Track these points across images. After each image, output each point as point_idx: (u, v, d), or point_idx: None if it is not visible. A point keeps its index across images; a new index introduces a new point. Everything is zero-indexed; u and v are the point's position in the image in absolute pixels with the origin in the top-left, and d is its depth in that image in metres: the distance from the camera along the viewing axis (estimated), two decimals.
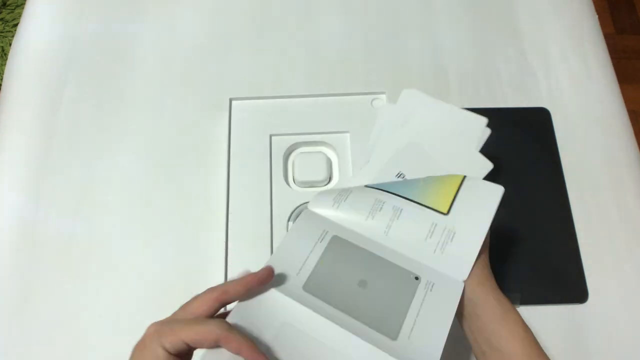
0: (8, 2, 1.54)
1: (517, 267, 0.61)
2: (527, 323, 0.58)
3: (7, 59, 0.83)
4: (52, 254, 0.61)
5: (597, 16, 0.79)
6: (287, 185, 0.62)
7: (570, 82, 0.73)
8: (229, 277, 0.57)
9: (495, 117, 0.69)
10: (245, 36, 0.75)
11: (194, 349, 0.35)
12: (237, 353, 0.34)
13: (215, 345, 0.34)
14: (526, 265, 0.61)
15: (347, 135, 0.65)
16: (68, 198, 0.64)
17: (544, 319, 0.59)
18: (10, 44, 1.06)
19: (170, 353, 0.34)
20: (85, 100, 0.70)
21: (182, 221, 0.62)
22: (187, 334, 0.33)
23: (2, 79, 0.87)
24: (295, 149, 0.65)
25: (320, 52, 0.74)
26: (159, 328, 0.34)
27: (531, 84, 0.72)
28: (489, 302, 0.41)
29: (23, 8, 0.78)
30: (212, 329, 0.33)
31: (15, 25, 1.48)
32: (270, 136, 0.65)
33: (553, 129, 0.69)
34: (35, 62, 0.72)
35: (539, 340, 0.42)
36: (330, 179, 0.64)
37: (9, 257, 0.61)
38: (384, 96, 0.66)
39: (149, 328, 0.35)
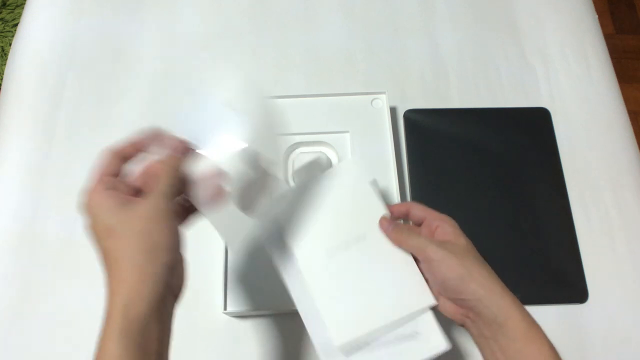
0: (8, 2, 1.54)
1: (517, 267, 0.61)
2: None
3: (7, 59, 0.83)
4: (52, 254, 0.61)
5: (597, 16, 0.79)
6: (287, 185, 0.62)
7: (570, 82, 0.73)
8: (229, 277, 0.57)
9: (495, 117, 0.70)
10: (245, 36, 0.75)
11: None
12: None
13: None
14: (526, 265, 0.61)
15: (347, 135, 0.65)
16: (68, 198, 0.64)
17: (544, 319, 0.58)
18: (10, 44, 1.06)
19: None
20: (85, 100, 0.70)
21: None
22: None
23: (2, 79, 0.87)
24: (295, 149, 0.65)
25: (320, 52, 0.74)
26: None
27: (531, 84, 0.72)
28: (514, 319, 0.39)
29: (23, 8, 0.78)
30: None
31: (15, 25, 1.48)
32: None
33: (553, 129, 0.69)
34: (35, 62, 0.72)
35: None
36: None
37: (9, 257, 0.61)
38: (384, 96, 0.66)
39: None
